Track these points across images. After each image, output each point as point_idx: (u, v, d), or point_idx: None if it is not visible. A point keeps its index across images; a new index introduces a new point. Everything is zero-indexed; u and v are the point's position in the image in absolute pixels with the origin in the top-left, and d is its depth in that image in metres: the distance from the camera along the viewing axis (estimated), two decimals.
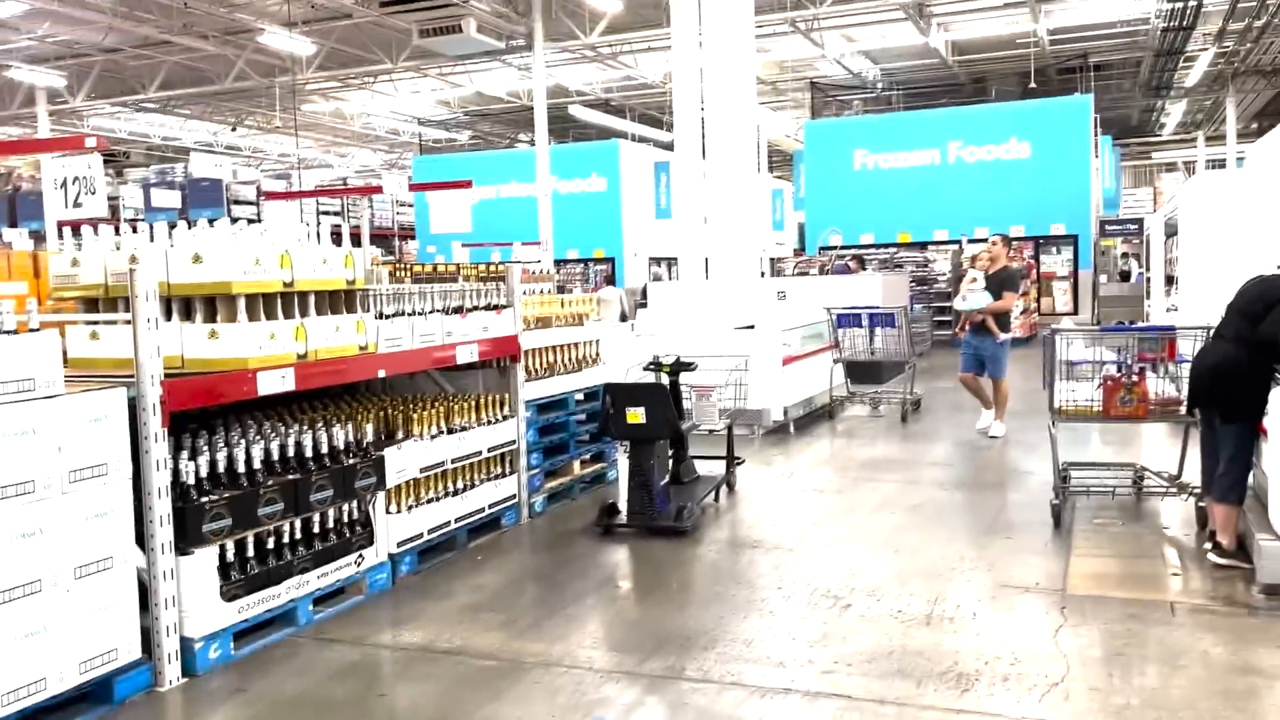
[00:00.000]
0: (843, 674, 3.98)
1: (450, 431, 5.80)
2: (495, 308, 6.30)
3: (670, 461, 6.82)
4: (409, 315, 5.53)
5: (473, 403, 6.04)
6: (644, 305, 16.99)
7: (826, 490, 7.15)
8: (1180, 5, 18.69)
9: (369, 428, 5.27)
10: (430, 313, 5.70)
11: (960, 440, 8.94)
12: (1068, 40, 23.57)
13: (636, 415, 6.04)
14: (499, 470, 6.30)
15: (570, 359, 7.22)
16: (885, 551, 5.60)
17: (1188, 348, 5.87)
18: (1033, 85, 23.73)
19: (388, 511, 5.31)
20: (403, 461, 5.36)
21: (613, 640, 4.45)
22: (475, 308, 6.14)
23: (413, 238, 25.80)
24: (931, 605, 4.72)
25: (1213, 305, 8.95)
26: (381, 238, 27.52)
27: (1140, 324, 5.74)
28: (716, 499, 6.89)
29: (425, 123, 30.18)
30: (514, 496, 6.42)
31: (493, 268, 14.01)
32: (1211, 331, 5.35)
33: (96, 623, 3.78)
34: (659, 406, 6.00)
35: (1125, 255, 23.12)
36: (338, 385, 5.54)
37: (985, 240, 21.30)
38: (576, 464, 7.22)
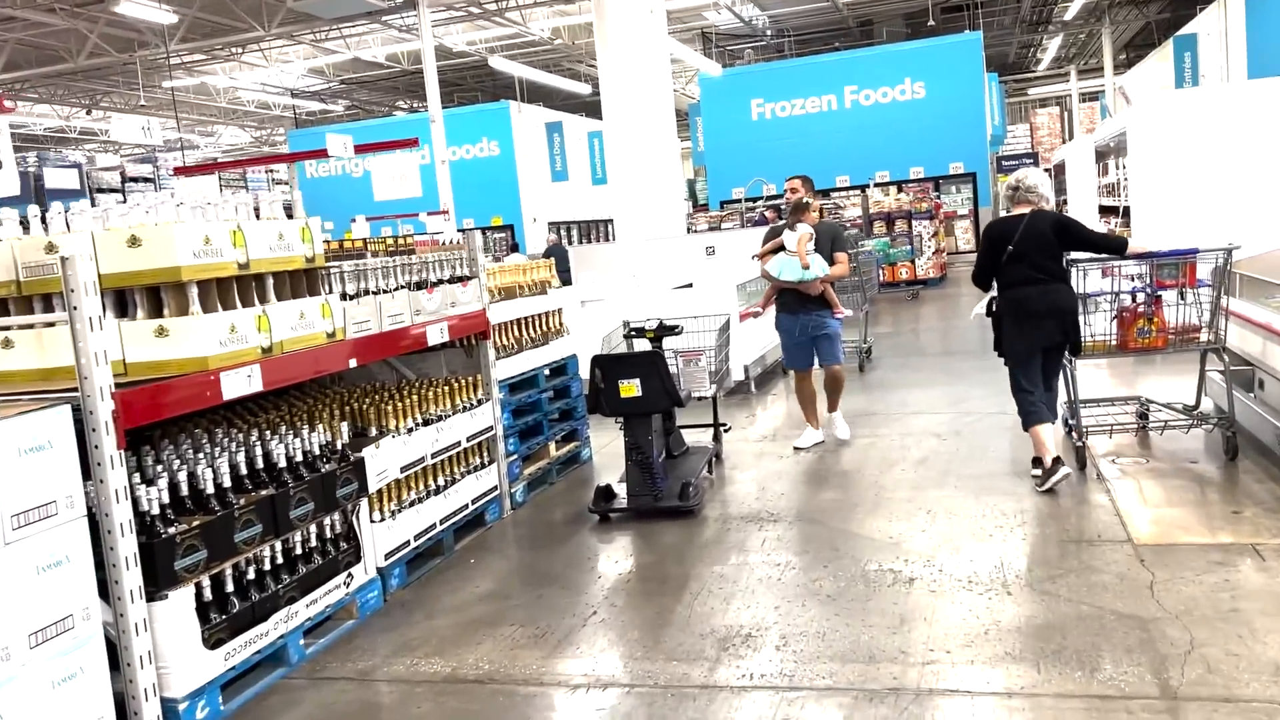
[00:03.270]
0: (946, 663, 3.51)
1: (427, 422, 5.12)
2: (461, 279, 5.60)
3: (664, 434, 6.27)
4: (374, 294, 4.80)
5: (447, 388, 5.36)
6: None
7: (827, 448, 6.70)
8: None
9: (343, 426, 4.55)
10: (396, 289, 4.97)
11: (929, 386, 8.61)
12: None
13: (631, 388, 5.45)
14: (479, 461, 5.64)
15: (537, 331, 6.56)
16: (918, 514, 5.17)
17: (1206, 271, 5.58)
18: (931, 23, 23.69)
19: (372, 520, 4.61)
20: (383, 462, 4.67)
21: (669, 648, 3.88)
22: (441, 281, 5.43)
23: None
24: (1000, 571, 4.30)
25: (1177, 231, 8.87)
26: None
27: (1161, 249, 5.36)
28: (710, 471, 6.37)
29: (299, 94, 28.58)
30: (495, 488, 5.77)
31: (402, 241, 13.07)
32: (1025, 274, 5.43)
33: (59, 699, 3.03)
34: (655, 377, 5.42)
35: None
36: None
37: (886, 185, 21.47)
38: (552, 445, 6.60)
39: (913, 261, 18.31)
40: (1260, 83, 9.77)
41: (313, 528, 4.19)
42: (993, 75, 27.90)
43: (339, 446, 4.49)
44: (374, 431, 4.85)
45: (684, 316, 6.34)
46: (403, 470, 4.84)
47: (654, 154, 13.08)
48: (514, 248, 22.24)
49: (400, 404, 4.93)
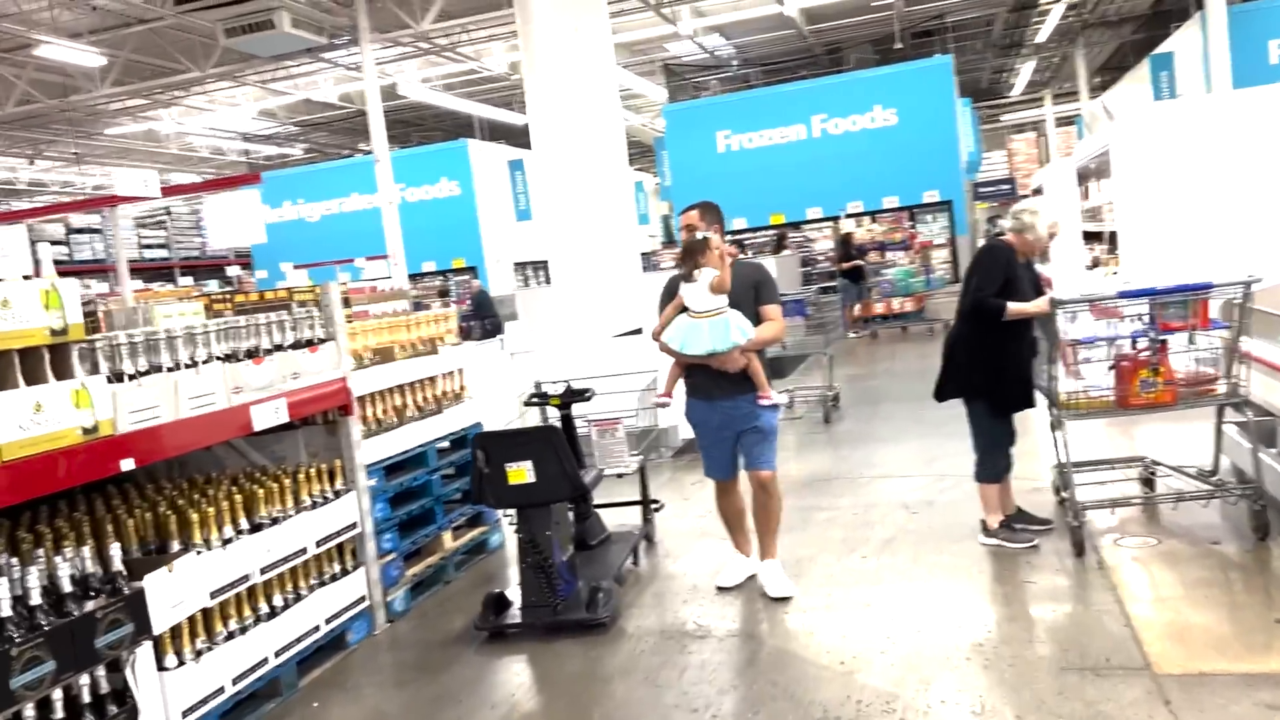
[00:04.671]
0: None
1: (256, 528, 4.05)
2: (309, 344, 4.54)
3: (574, 520, 5.22)
4: (170, 370, 3.74)
5: (288, 480, 4.29)
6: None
7: None
8: None
9: (115, 547, 3.47)
10: (206, 362, 3.91)
11: (898, 439, 7.58)
12: (923, 1, 22.87)
13: (521, 473, 4.39)
14: (337, 568, 4.57)
15: (426, 398, 5.51)
16: (877, 625, 4.11)
17: (1217, 309, 4.59)
18: (899, 45, 22.94)
19: (161, 668, 3.53)
20: (179, 590, 3.58)
21: None
22: (279, 347, 4.37)
23: (248, 266, 23.59)
24: (987, 718, 3.24)
25: (1169, 257, 7.91)
26: (215, 268, 25.08)
27: (1163, 285, 4.33)
28: (636, 561, 5.30)
29: (251, 138, 27.64)
30: (363, 599, 4.69)
31: (287, 295, 12.03)
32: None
33: None
34: (551, 457, 4.37)
35: (993, 219, 22.47)
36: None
37: (857, 215, 20.63)
38: (447, 535, 5.52)
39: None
40: (1252, 91, 8.88)
41: (57, 694, 3.10)
42: (966, 101, 27.24)
43: (112, 574, 3.41)
44: (176, 545, 3.78)
45: (601, 375, 5.31)
46: (215, 596, 3.76)
47: (593, 185, 12.08)
48: (443, 293, 21.02)
49: (213, 507, 3.86)
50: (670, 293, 4.66)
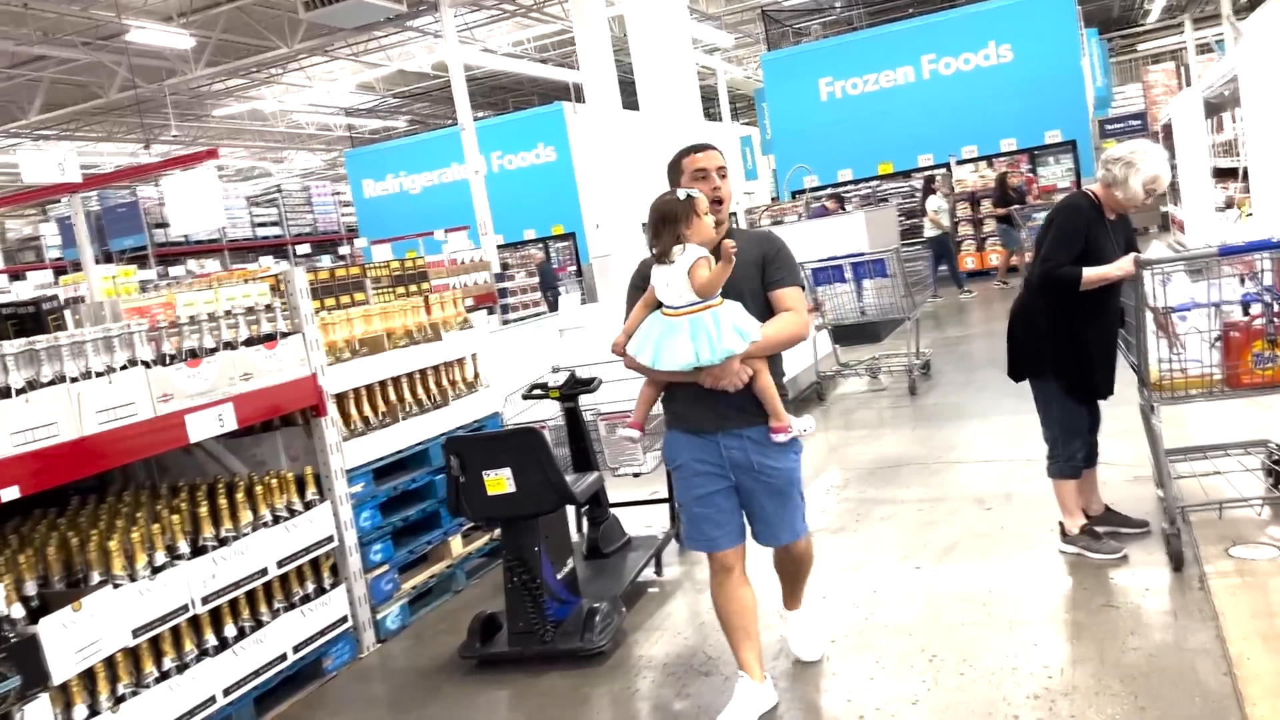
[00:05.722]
0: None
1: (199, 550, 3.60)
2: (265, 339, 4.05)
3: (587, 525, 4.65)
4: (71, 381, 3.29)
5: (240, 494, 3.83)
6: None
7: (821, 531, 4.93)
8: None
9: (9, 581, 3.05)
10: (120, 369, 3.45)
11: (987, 415, 6.71)
12: None
13: (500, 482, 3.82)
14: (311, 587, 4.10)
15: (428, 391, 4.99)
16: (915, 664, 3.40)
17: None
18: None
19: None
20: (90, 630, 3.16)
21: None
22: (227, 345, 3.90)
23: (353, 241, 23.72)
24: None
25: None
26: (329, 242, 25.36)
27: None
28: (659, 569, 4.69)
29: (353, 112, 27.80)
30: (344, 620, 4.22)
31: (407, 263, 11.58)
32: None
33: None
34: (533, 464, 3.78)
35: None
36: None
37: (972, 160, 19.20)
38: (455, 541, 5.01)
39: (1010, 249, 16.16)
40: None
41: None
42: (1093, 31, 25.23)
43: (8, 616, 3.00)
44: (96, 577, 3.36)
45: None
46: (140, 633, 3.33)
47: (665, 141, 11.35)
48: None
49: (137, 531, 3.42)
50: (641, 282, 3.21)
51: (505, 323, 12.87)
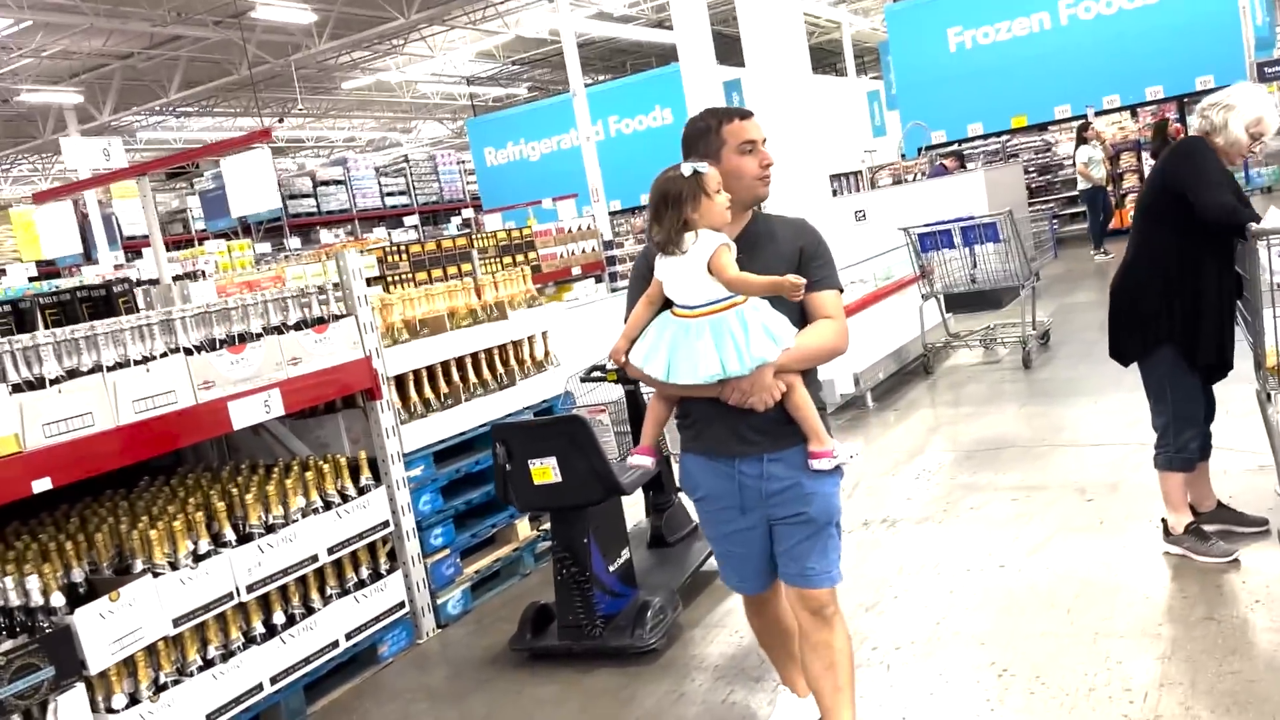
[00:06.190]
0: None
1: (246, 537, 3.58)
2: (317, 323, 4.00)
3: (652, 512, 4.48)
4: (110, 370, 3.28)
5: (291, 480, 3.79)
6: None
7: (903, 521, 4.64)
8: None
9: (33, 580, 3.07)
10: (160, 356, 3.43)
11: (1103, 391, 6.20)
12: None
13: (545, 471, 3.67)
14: (365, 572, 4.06)
15: (493, 371, 4.88)
16: (982, 680, 3.11)
17: None
18: None
19: (110, 709, 3.13)
20: (129, 620, 3.16)
21: None
22: (276, 329, 3.85)
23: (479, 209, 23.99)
24: None
25: None
26: (453, 210, 25.79)
27: None
28: None
29: (475, 80, 28.04)
30: (401, 607, 4.17)
31: (514, 233, 11.57)
32: None
33: None
34: (576, 453, 3.62)
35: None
36: None
37: (1116, 110, 17.95)
38: (522, 523, 4.91)
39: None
40: None
41: None
42: None
43: (47, 606, 3.03)
44: (140, 564, 3.37)
45: None
46: (180, 623, 3.32)
47: (785, 97, 10.90)
48: None
49: (179, 519, 3.41)
50: (646, 273, 2.61)
51: (614, 290, 12.75)
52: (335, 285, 4.18)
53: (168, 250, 19.50)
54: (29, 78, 19.86)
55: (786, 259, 2.55)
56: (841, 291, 2.64)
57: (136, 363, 3.35)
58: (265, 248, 17.10)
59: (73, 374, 3.19)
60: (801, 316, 2.56)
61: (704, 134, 2.64)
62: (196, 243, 20.37)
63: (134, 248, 20.84)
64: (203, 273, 6.21)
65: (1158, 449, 3.79)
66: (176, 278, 7.71)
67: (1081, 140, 14.65)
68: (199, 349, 3.56)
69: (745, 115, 2.68)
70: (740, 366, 2.41)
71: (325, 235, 20.45)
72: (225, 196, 21.89)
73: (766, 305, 2.49)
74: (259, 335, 3.76)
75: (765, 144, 2.65)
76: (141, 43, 19.14)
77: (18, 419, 2.98)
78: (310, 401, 3.96)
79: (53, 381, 3.12)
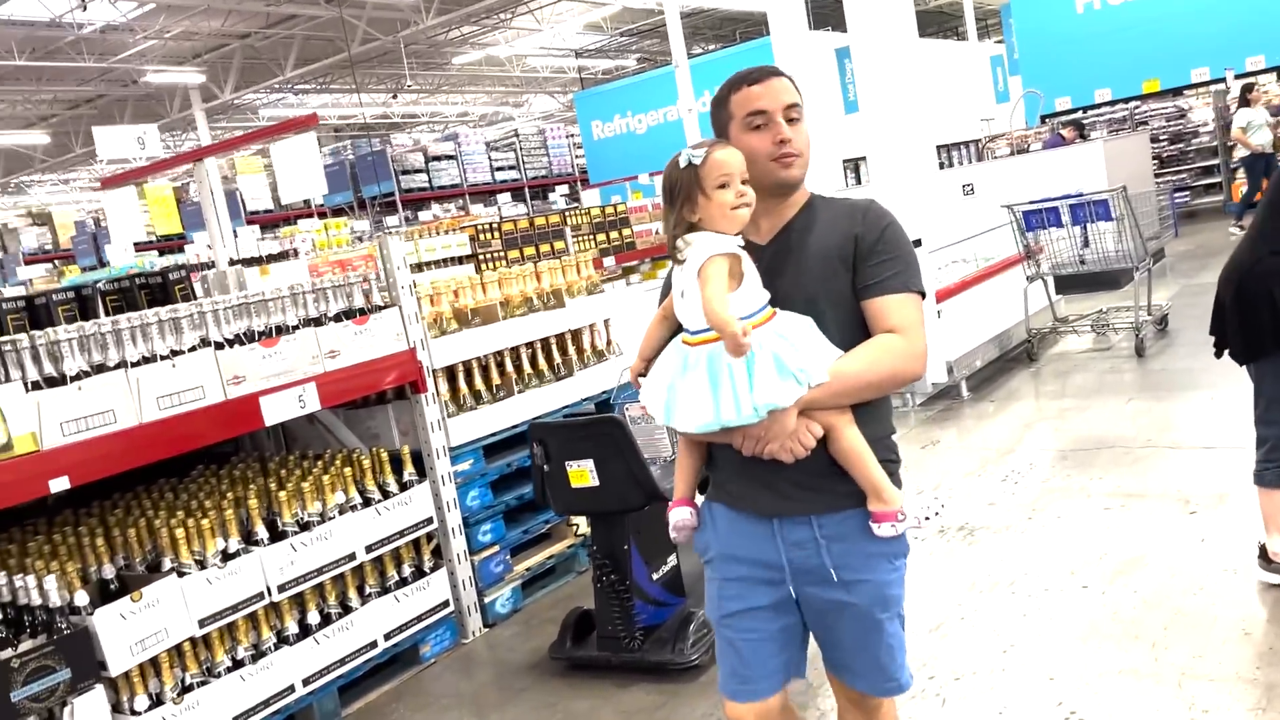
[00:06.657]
0: None
1: (280, 536, 3.50)
2: (358, 313, 3.88)
3: None
4: (134, 365, 3.21)
5: (334, 474, 3.69)
6: None
7: (983, 529, 4.29)
8: None
9: (71, 569, 3.03)
10: (189, 350, 3.35)
11: (1220, 386, 5.66)
12: None
13: (583, 474, 3.48)
14: (408, 570, 3.95)
15: (550, 361, 4.71)
16: (1045, 704, 2.79)
17: None
18: None
19: (132, 711, 3.09)
20: (148, 621, 3.10)
21: None
22: (314, 321, 3.75)
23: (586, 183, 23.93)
24: None
25: None
26: (561, 184, 25.81)
27: None
28: None
29: (583, 53, 27.91)
30: (445, 605, 4.05)
31: (609, 210, 11.37)
32: None
33: None
34: (614, 456, 3.41)
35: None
36: None
37: (1260, 73, 16.62)
38: (579, 519, 4.74)
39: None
40: None
41: None
42: None
43: (55, 608, 2.99)
44: (168, 563, 3.31)
45: None
46: (207, 623, 3.26)
47: (889, 62, 10.33)
48: None
49: (207, 518, 3.34)
50: (667, 290, 2.10)
51: None
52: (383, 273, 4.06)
53: (279, 226, 19.99)
54: (155, 59, 20.59)
55: (831, 256, 1.97)
56: (923, 296, 2.00)
57: (163, 358, 3.28)
58: (363, 225, 17.34)
59: (99, 369, 3.14)
60: (860, 326, 1.97)
61: (717, 107, 2.09)
62: (317, 217, 20.88)
63: (259, 222, 21.41)
64: (295, 251, 6.17)
65: (1261, 464, 3.38)
66: (271, 257, 7.78)
67: (1245, 102, 13.47)
68: (230, 343, 3.47)
69: (761, 77, 2.02)
70: (737, 415, 1.82)
71: (434, 210, 20.66)
72: (343, 172, 22.20)
73: (796, 325, 1.89)
74: (295, 328, 3.66)
75: (792, 115, 2.00)
76: (258, 22, 19.60)
77: (35, 417, 2.94)
78: (349, 395, 3.85)
79: (73, 378, 3.07)
